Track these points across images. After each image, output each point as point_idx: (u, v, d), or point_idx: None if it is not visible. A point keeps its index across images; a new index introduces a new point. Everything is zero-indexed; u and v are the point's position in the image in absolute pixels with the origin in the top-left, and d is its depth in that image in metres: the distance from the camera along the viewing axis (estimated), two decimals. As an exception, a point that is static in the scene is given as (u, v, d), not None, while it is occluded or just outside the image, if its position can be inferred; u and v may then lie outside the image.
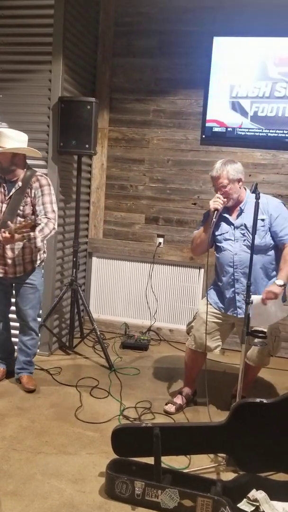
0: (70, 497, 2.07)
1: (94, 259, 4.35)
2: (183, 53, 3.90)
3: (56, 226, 2.87)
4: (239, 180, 2.71)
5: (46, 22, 3.34)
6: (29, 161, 3.32)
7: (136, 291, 4.27)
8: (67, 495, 2.09)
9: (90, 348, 3.86)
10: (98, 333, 3.55)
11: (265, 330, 2.67)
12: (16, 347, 3.18)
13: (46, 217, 2.81)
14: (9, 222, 2.68)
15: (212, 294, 2.92)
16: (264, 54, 3.67)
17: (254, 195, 2.68)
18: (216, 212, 2.66)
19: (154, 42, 3.97)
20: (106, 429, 2.61)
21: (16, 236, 2.63)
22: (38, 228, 2.74)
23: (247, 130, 3.80)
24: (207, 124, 3.86)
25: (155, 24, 3.94)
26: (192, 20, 3.85)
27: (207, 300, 2.91)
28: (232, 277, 2.77)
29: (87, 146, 3.40)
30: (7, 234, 2.62)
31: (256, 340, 2.47)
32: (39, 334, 3.13)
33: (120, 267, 4.30)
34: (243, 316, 2.64)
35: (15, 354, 3.19)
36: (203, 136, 3.93)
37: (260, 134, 3.78)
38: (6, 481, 2.15)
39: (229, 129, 3.83)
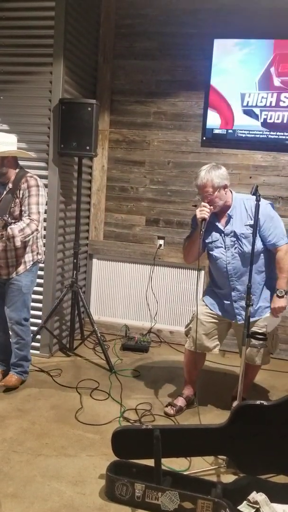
0: (70, 499, 2.07)
1: (94, 261, 4.35)
2: (184, 55, 3.91)
3: (39, 228, 2.87)
4: (224, 187, 2.66)
5: (47, 24, 3.34)
6: (30, 163, 3.35)
7: (137, 293, 4.27)
8: (67, 497, 2.09)
9: (91, 350, 3.86)
10: (99, 334, 3.55)
11: (264, 330, 2.69)
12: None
13: (29, 218, 2.82)
14: None
15: (209, 298, 2.91)
16: (267, 61, 3.68)
17: (240, 199, 2.74)
18: (204, 221, 2.60)
19: (155, 44, 3.97)
20: (107, 431, 2.61)
21: None
22: (18, 228, 2.75)
23: (248, 132, 3.80)
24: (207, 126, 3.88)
25: (156, 26, 3.95)
26: (193, 22, 3.86)
27: (203, 301, 2.91)
28: (229, 285, 2.77)
29: (87, 148, 3.40)
30: None
31: (256, 342, 2.46)
32: (26, 338, 3.06)
33: (121, 269, 4.30)
34: (242, 322, 2.67)
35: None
36: (204, 138, 3.93)
37: (261, 136, 3.78)
38: (6, 483, 2.15)
39: (229, 131, 3.84)
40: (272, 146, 3.81)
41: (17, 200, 2.87)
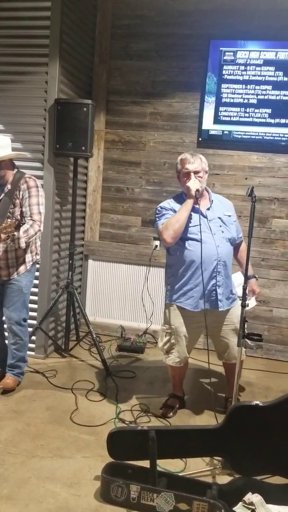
0: (65, 501, 2.06)
1: (90, 261, 4.34)
2: (180, 56, 3.92)
3: (42, 228, 2.88)
4: (206, 172, 2.80)
5: (43, 24, 3.34)
6: (26, 163, 3.34)
7: (132, 294, 4.26)
8: (62, 499, 2.08)
9: (86, 351, 3.85)
10: (94, 335, 3.54)
11: (235, 326, 2.69)
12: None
13: (32, 219, 2.83)
14: None
15: (184, 299, 2.75)
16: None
17: (214, 194, 2.88)
18: (197, 192, 2.67)
19: (151, 44, 3.97)
20: (102, 432, 2.59)
21: (2, 236, 2.63)
22: (23, 229, 2.75)
23: (244, 133, 3.81)
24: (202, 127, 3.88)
25: (152, 27, 3.95)
26: (189, 23, 3.86)
27: (175, 309, 2.79)
28: (215, 270, 2.70)
29: (83, 148, 3.40)
30: None
31: (252, 342, 2.46)
32: (25, 339, 3.05)
33: (116, 270, 4.29)
34: (223, 309, 2.73)
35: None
36: (200, 139, 3.93)
37: (257, 137, 3.79)
38: (0, 485, 2.13)
39: (225, 132, 3.84)
40: (267, 148, 3.82)
41: (17, 201, 2.86)
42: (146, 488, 2.02)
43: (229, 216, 2.84)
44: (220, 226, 2.76)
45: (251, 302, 2.96)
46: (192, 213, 2.71)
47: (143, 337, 4.12)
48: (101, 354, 3.49)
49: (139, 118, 4.08)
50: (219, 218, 2.78)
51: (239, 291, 2.90)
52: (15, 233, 2.67)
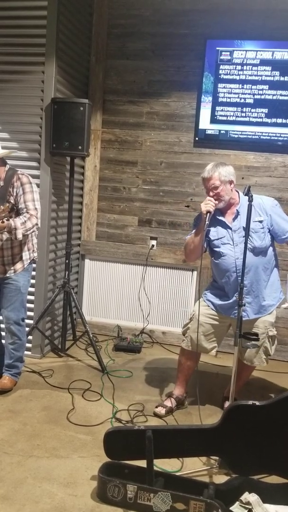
0: (61, 501, 2.06)
1: (86, 261, 4.33)
2: (177, 56, 3.91)
3: (39, 223, 2.88)
4: (230, 182, 2.70)
5: (39, 23, 3.33)
6: (22, 163, 3.34)
7: (129, 294, 4.26)
8: (59, 499, 2.07)
9: (83, 351, 3.85)
10: (91, 335, 3.53)
11: (258, 331, 2.69)
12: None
13: (29, 213, 2.83)
14: None
15: (211, 297, 2.87)
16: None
17: (248, 197, 2.72)
18: (208, 214, 2.63)
19: (147, 44, 3.97)
20: (99, 432, 2.59)
21: None
22: (20, 221, 2.75)
23: (240, 132, 3.81)
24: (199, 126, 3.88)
25: (148, 26, 3.95)
26: (186, 22, 3.86)
27: (204, 302, 2.88)
28: (235, 282, 2.72)
29: (80, 147, 3.39)
30: None
31: (249, 342, 2.46)
32: (23, 338, 3.06)
33: (113, 270, 4.29)
34: (247, 319, 2.69)
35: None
36: (196, 139, 3.93)
37: (253, 137, 3.80)
38: (-3, 485, 2.13)
39: (222, 131, 3.85)
40: (264, 147, 3.82)
41: (11, 198, 2.86)
42: (143, 488, 2.02)
43: (260, 221, 2.70)
44: (243, 236, 2.66)
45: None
46: (218, 226, 2.75)
47: (140, 336, 4.12)
48: (98, 354, 3.49)
49: (135, 117, 4.08)
50: (243, 227, 2.67)
51: None
52: (12, 222, 2.67)
